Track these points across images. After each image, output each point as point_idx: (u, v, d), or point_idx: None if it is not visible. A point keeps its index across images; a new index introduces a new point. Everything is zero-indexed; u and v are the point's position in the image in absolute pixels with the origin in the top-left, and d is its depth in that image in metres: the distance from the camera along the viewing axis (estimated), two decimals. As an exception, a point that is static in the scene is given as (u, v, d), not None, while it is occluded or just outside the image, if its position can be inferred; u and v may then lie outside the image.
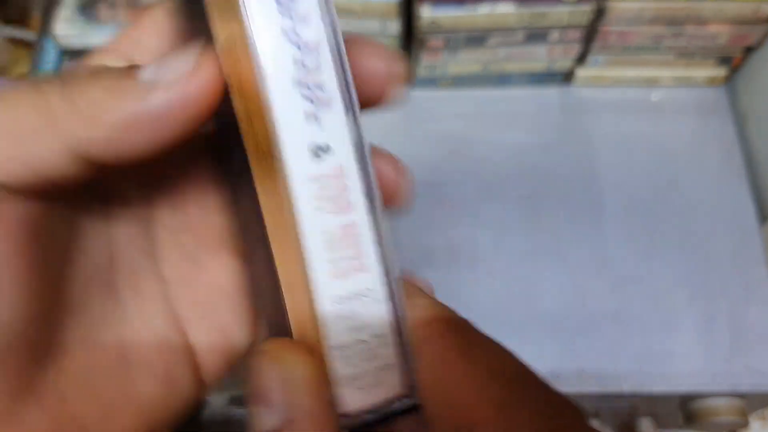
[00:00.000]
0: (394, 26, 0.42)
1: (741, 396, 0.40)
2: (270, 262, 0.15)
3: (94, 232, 0.17)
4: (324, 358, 0.15)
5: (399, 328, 0.15)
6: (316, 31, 0.15)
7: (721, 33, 0.44)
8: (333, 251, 0.15)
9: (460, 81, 0.47)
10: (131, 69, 0.15)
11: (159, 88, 0.14)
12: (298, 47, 0.14)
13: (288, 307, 0.15)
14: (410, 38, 0.44)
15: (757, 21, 0.42)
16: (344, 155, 0.15)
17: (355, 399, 0.15)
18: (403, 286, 0.16)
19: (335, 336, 0.15)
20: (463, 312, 0.18)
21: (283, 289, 0.15)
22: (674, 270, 0.42)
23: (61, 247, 0.16)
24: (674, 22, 0.43)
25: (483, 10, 0.41)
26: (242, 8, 0.14)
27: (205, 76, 0.14)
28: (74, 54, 0.46)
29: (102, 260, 0.17)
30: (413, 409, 0.15)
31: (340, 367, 0.15)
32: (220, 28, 0.14)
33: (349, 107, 0.15)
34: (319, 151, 0.14)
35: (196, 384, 0.18)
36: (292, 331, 0.15)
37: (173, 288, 0.18)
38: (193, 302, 0.18)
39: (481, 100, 0.47)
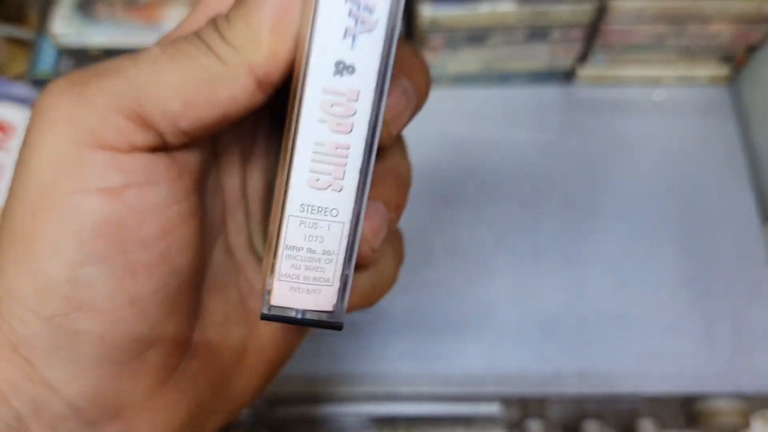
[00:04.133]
0: (395, 25, 0.42)
1: (743, 397, 0.39)
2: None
3: (212, 188, 0.19)
4: (277, 252, 0.16)
5: (349, 254, 0.16)
6: None
7: (723, 32, 0.43)
8: (318, 163, 0.15)
9: (461, 80, 0.47)
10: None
11: None
12: None
13: (272, 208, 0.16)
14: (411, 37, 0.44)
15: (760, 20, 0.42)
16: (365, 82, 0.15)
17: (285, 296, 0.16)
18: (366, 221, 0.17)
19: (291, 237, 0.16)
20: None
21: (275, 192, 0.16)
22: (676, 270, 0.42)
23: (202, 201, 0.18)
24: (676, 20, 0.42)
25: (484, 8, 0.41)
26: None
27: None
28: (72, 53, 0.46)
29: (218, 218, 0.19)
30: (332, 327, 0.17)
31: (285, 264, 0.16)
32: None
33: (389, 37, 0.15)
34: (344, 69, 0.15)
35: (298, 331, 0.20)
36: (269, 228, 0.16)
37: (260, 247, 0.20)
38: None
39: (481, 99, 0.47)
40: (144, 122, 0.15)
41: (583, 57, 0.45)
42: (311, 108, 0.15)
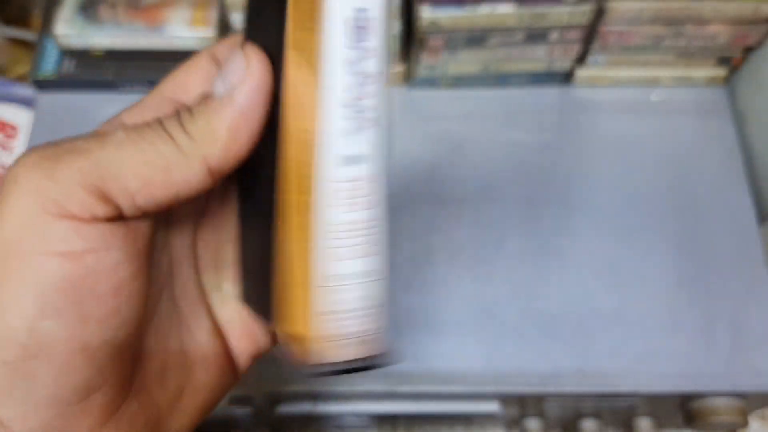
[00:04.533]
0: (395, 26, 0.43)
1: (741, 396, 0.40)
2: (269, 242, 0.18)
3: (160, 245, 0.21)
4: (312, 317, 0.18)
5: (386, 304, 0.18)
6: (376, 65, 0.17)
7: (721, 33, 0.44)
8: (351, 238, 0.18)
9: (460, 81, 0.47)
10: (205, 95, 0.18)
11: (236, 89, 0.18)
12: (360, 76, 0.17)
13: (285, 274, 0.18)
14: (410, 38, 0.44)
15: (757, 21, 0.43)
16: (373, 166, 0.18)
17: (333, 353, 0.18)
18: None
19: (342, 302, 0.18)
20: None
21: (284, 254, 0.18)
22: (674, 270, 0.42)
23: (151, 260, 0.19)
24: (674, 22, 0.43)
25: (483, 10, 0.41)
26: (324, 27, 0.17)
27: (259, 66, 0.18)
28: (74, 54, 0.47)
29: (165, 271, 0.21)
30: (384, 365, 0.18)
31: (329, 326, 0.18)
32: (293, 37, 0.17)
33: (384, 126, 0.18)
34: (351, 161, 0.18)
35: (233, 375, 0.22)
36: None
37: (212, 297, 0.22)
38: (228, 311, 0.22)
39: (481, 100, 0.47)
40: (105, 197, 0.17)
41: (582, 58, 0.46)
42: (330, 200, 0.17)
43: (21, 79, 0.51)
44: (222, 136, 0.18)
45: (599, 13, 0.42)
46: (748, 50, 0.45)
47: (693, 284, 0.41)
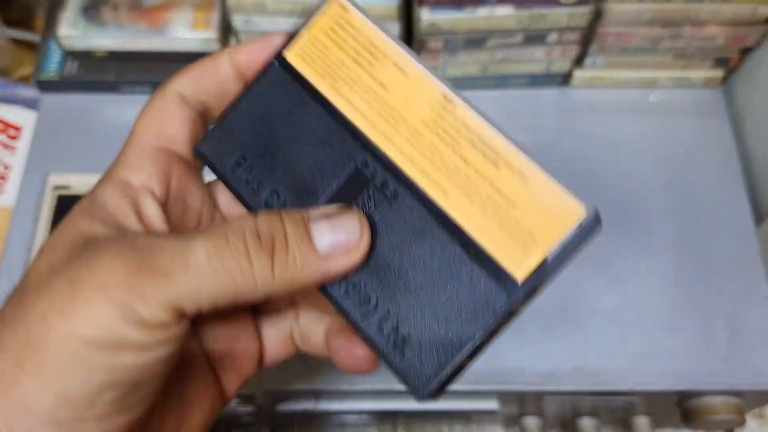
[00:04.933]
0: (395, 28, 0.43)
1: (738, 394, 0.40)
2: None
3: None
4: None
5: None
6: None
7: (718, 34, 0.44)
8: None
9: (460, 83, 0.47)
10: (309, 233, 0.20)
11: (335, 258, 0.20)
12: None
13: None
14: (410, 40, 0.45)
15: (755, 22, 0.43)
16: None
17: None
18: None
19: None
20: None
21: None
22: (671, 269, 0.42)
23: None
24: (672, 23, 0.43)
25: (482, 12, 0.41)
26: None
27: (366, 244, 0.20)
28: (77, 56, 0.47)
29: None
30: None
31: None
32: None
33: None
34: None
35: (223, 404, 0.24)
36: None
37: (205, 337, 0.24)
38: (219, 347, 0.24)
39: (480, 101, 0.47)
40: (180, 313, 0.19)
41: (580, 59, 0.46)
42: None
43: (24, 80, 0.51)
44: (297, 285, 0.20)
45: (597, 15, 0.42)
46: (746, 51, 0.45)
47: (690, 283, 0.42)
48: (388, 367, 0.20)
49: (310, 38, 0.23)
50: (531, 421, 0.44)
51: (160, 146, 0.22)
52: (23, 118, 0.49)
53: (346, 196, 0.21)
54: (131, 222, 0.21)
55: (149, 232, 0.21)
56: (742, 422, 0.41)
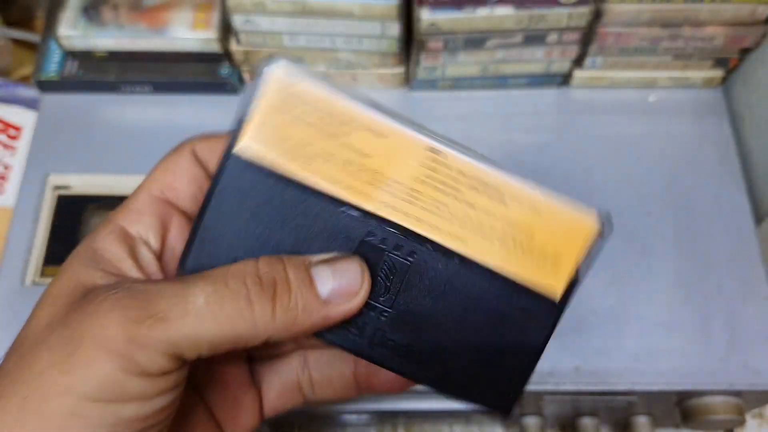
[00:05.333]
0: (395, 28, 0.43)
1: (737, 394, 0.40)
2: None
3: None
4: None
5: None
6: None
7: (717, 35, 0.44)
8: None
9: (460, 83, 0.47)
10: (311, 278, 0.20)
11: (337, 303, 0.20)
12: None
13: None
14: (410, 40, 0.45)
15: (754, 23, 0.43)
16: None
17: None
18: None
19: None
20: None
21: None
22: (671, 269, 0.42)
23: None
24: (671, 24, 0.43)
25: (482, 12, 0.41)
26: None
27: (366, 289, 0.20)
28: (77, 56, 0.47)
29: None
30: None
31: None
32: None
33: None
34: None
35: None
36: None
37: (207, 393, 0.24)
38: (221, 400, 0.24)
39: (480, 101, 0.48)
40: (180, 359, 0.19)
41: (580, 60, 0.46)
42: None
43: (24, 80, 0.51)
44: (297, 330, 0.19)
45: (597, 15, 0.42)
46: (745, 52, 0.46)
47: (690, 283, 0.42)
48: (457, 401, 0.22)
49: (261, 122, 0.21)
50: (531, 421, 0.44)
51: (164, 198, 0.22)
52: (23, 118, 0.49)
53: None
54: (130, 269, 0.21)
55: (148, 279, 0.21)
56: (741, 422, 0.41)
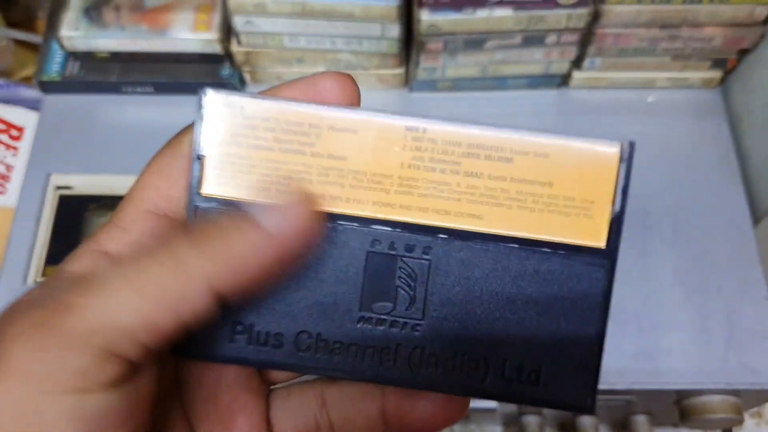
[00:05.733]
0: (394, 29, 0.43)
1: (736, 393, 0.40)
2: None
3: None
4: None
5: None
6: None
7: (716, 35, 0.44)
8: None
9: (459, 84, 0.48)
10: (248, 217, 0.16)
11: (288, 233, 0.16)
12: None
13: None
14: (410, 41, 0.45)
15: (752, 23, 0.43)
16: None
17: None
18: None
19: None
20: None
21: None
22: (670, 269, 0.42)
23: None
24: (670, 24, 0.43)
25: (481, 14, 0.41)
26: None
27: (303, 212, 0.17)
28: (79, 56, 0.47)
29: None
30: None
31: None
32: None
33: None
34: None
35: None
36: None
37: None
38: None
39: (479, 102, 0.48)
40: (111, 355, 0.15)
41: (578, 61, 0.46)
42: None
43: (26, 81, 0.51)
44: (238, 258, 0.16)
45: (596, 16, 0.42)
46: (743, 52, 0.46)
47: (688, 283, 0.42)
48: (530, 404, 0.19)
49: (218, 163, 0.18)
50: (530, 420, 0.45)
51: (157, 212, 0.18)
52: (25, 118, 0.49)
53: (383, 284, 0.19)
54: None
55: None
56: (740, 421, 0.41)
